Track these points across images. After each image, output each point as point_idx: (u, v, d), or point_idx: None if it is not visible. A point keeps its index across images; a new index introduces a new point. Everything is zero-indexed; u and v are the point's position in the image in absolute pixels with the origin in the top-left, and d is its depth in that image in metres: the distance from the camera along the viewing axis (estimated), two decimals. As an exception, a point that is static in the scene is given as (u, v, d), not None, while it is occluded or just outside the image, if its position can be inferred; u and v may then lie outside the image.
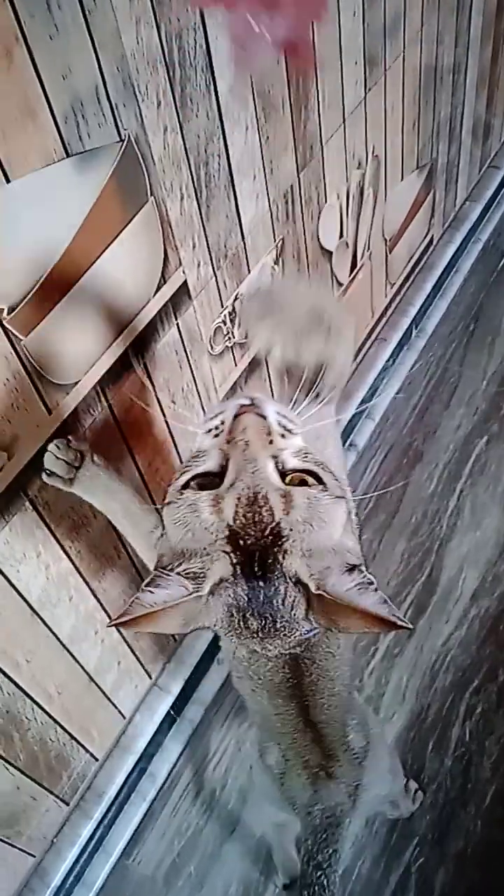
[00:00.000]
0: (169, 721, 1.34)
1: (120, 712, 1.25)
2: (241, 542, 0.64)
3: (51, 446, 0.87)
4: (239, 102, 0.97)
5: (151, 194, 0.87)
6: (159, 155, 0.86)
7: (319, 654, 0.96)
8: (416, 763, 1.63)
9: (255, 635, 0.68)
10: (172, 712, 1.35)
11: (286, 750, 1.04)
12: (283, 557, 0.64)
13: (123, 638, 1.16)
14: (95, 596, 1.05)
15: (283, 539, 0.64)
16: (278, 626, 0.67)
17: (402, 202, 1.61)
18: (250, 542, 0.64)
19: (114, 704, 1.22)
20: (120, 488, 0.91)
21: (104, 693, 1.18)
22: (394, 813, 1.49)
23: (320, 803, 1.03)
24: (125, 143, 0.81)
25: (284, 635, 0.68)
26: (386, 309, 1.73)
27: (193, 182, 0.93)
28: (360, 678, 1.75)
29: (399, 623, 0.61)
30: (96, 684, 1.15)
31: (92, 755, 1.22)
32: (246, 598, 0.64)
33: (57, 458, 0.87)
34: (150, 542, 0.94)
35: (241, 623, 0.66)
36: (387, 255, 1.61)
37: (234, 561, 0.64)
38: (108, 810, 1.27)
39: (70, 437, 0.88)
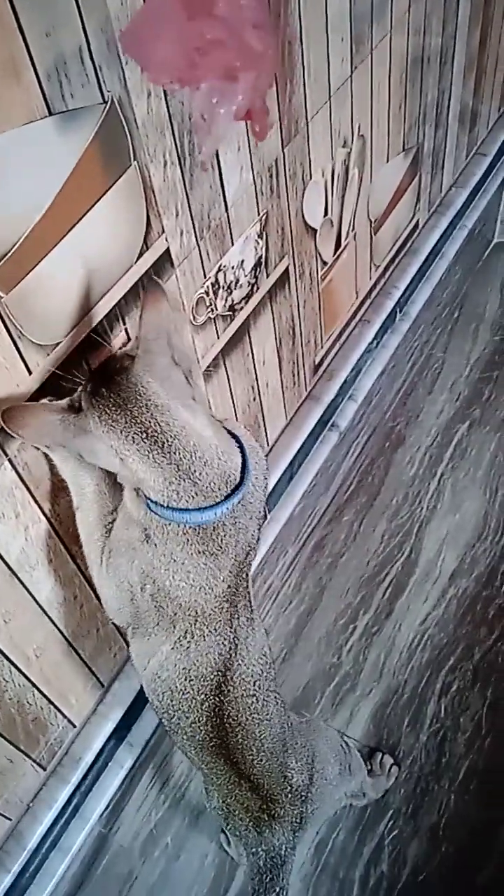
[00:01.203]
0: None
1: (99, 680, 1.26)
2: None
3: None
4: (224, 72, 0.98)
5: (135, 158, 0.88)
6: (143, 119, 0.87)
7: (247, 717, 0.99)
8: (391, 738, 1.66)
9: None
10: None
11: (225, 797, 1.06)
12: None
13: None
14: (75, 561, 1.06)
15: None
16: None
17: (388, 184, 1.62)
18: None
19: (92, 672, 1.23)
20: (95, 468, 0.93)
21: (83, 659, 1.19)
22: (361, 802, 1.51)
23: (264, 845, 1.05)
24: (108, 105, 0.81)
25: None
26: (370, 290, 1.74)
27: (177, 149, 0.94)
28: (335, 659, 1.77)
29: None
30: (75, 650, 1.16)
31: (70, 721, 1.23)
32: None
33: None
34: (102, 527, 0.94)
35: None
36: (372, 237, 1.63)
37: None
38: (86, 777, 1.28)
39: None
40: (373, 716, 1.69)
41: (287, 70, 1.10)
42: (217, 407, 1.28)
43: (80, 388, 0.82)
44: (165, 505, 0.84)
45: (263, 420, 1.48)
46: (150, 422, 0.79)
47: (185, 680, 0.96)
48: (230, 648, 0.95)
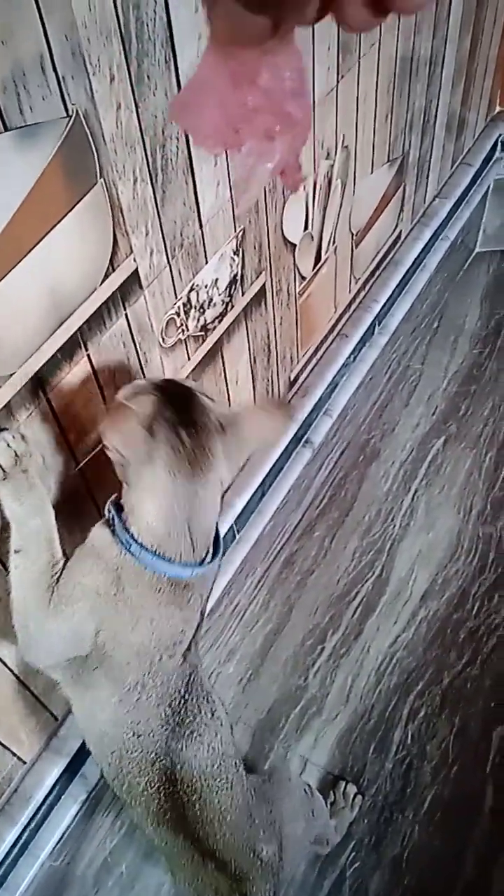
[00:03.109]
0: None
1: (52, 714, 1.20)
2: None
3: (4, 434, 0.82)
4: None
5: (101, 176, 0.81)
6: (111, 134, 0.80)
7: (203, 783, 0.92)
8: (356, 765, 1.62)
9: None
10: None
11: (191, 879, 0.98)
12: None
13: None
14: (28, 596, 1.00)
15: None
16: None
17: (372, 195, 1.56)
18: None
19: (45, 706, 1.17)
20: (49, 508, 0.86)
21: (35, 695, 1.13)
22: (324, 850, 1.46)
23: None
24: (72, 118, 0.74)
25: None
26: (349, 304, 1.69)
27: (148, 165, 0.87)
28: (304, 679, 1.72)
29: None
30: (26, 687, 1.10)
31: (19, 758, 1.17)
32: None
33: (8, 446, 0.82)
34: (49, 573, 0.87)
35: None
36: (353, 250, 1.57)
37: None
38: (36, 814, 1.22)
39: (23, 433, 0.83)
40: (338, 741, 1.65)
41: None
42: (186, 430, 1.21)
43: (155, 407, 0.81)
44: (154, 552, 0.83)
45: (235, 439, 1.42)
46: (198, 489, 0.83)
47: (134, 736, 0.90)
48: (181, 704, 0.90)
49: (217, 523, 0.90)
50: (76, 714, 0.96)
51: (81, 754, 1.27)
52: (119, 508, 0.86)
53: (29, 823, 1.21)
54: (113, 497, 0.88)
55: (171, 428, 0.80)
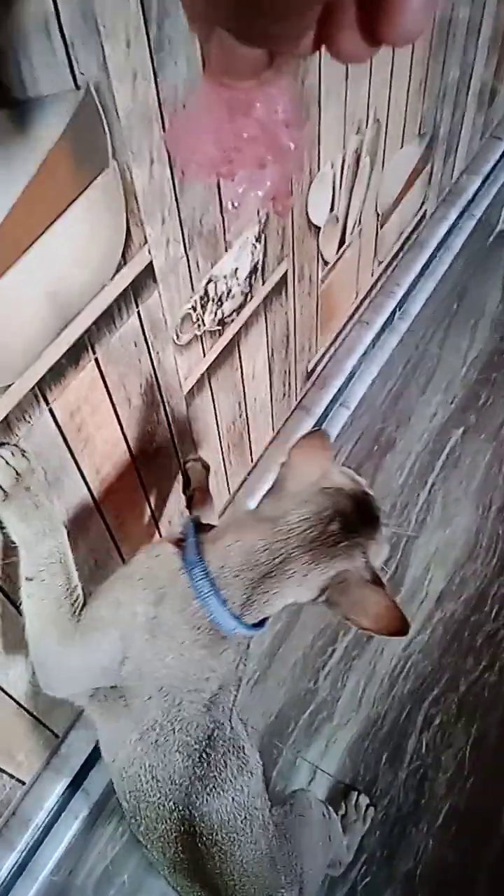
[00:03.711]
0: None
1: (52, 732, 1.12)
2: None
3: (2, 450, 0.73)
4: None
5: (114, 157, 0.71)
6: (126, 109, 0.69)
7: (224, 836, 0.84)
8: (368, 774, 1.55)
9: None
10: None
11: None
12: None
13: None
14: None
15: None
16: None
17: (399, 173, 1.45)
18: None
19: (45, 725, 1.09)
20: (61, 528, 0.77)
21: (34, 716, 1.05)
22: (337, 871, 1.40)
23: None
24: (83, 91, 0.64)
25: None
26: (371, 289, 1.58)
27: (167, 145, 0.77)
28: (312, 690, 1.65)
29: None
30: (25, 710, 1.02)
31: (18, 780, 1.10)
32: None
33: (7, 463, 0.73)
34: (69, 598, 0.78)
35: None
36: (378, 231, 1.46)
37: None
38: (35, 835, 1.15)
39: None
40: (349, 749, 1.58)
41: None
42: (198, 433, 1.12)
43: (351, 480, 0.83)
44: (213, 582, 0.75)
45: (249, 436, 1.32)
46: (297, 566, 0.76)
47: (152, 779, 0.82)
48: (202, 757, 0.82)
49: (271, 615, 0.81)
50: (102, 744, 0.88)
51: (84, 770, 1.20)
52: (198, 528, 0.80)
53: (27, 846, 1.14)
54: (192, 514, 0.84)
55: (349, 509, 0.76)
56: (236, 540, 0.77)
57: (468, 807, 1.50)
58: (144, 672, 0.78)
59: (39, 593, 0.78)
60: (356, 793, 1.51)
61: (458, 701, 1.62)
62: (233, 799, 0.84)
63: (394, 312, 1.65)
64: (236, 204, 0.54)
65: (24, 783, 1.12)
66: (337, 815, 1.47)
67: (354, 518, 0.76)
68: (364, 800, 1.50)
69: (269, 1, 0.35)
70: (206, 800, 0.82)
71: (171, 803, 0.82)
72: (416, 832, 1.49)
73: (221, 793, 0.83)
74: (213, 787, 0.82)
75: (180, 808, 0.82)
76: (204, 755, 0.81)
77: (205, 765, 0.82)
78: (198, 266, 0.92)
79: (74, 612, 0.79)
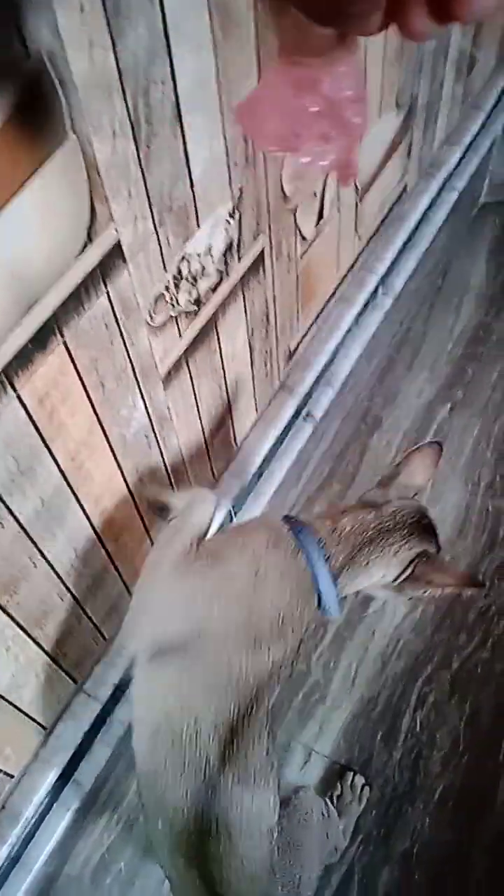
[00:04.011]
0: (96, 726, 1.20)
1: (40, 724, 1.11)
2: None
3: None
4: (191, 14, 0.77)
5: (73, 131, 0.68)
6: (83, 79, 0.66)
7: (237, 816, 0.84)
8: (363, 754, 1.55)
9: None
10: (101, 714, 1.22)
11: None
12: None
13: (43, 650, 1.01)
14: (6, 611, 0.89)
15: None
16: None
17: (377, 145, 1.42)
18: None
19: (31, 718, 1.08)
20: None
21: (19, 709, 1.03)
22: (334, 858, 1.40)
23: None
24: (32, 60, 0.61)
25: None
26: (352, 265, 1.55)
27: (129, 116, 0.74)
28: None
29: None
30: (10, 703, 1.00)
31: (5, 773, 1.08)
32: None
33: None
34: (188, 541, 0.94)
35: None
36: (357, 204, 1.43)
37: None
38: (26, 829, 1.14)
39: None
40: (344, 730, 1.58)
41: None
42: (178, 415, 1.09)
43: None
44: (322, 549, 0.89)
45: (231, 419, 1.30)
46: (381, 550, 0.92)
47: (184, 742, 0.81)
48: (235, 720, 0.81)
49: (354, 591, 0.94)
50: (135, 705, 0.90)
51: (74, 761, 1.18)
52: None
53: (19, 839, 1.13)
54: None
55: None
56: (347, 513, 0.93)
57: (463, 784, 1.50)
58: (221, 625, 0.85)
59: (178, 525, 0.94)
60: (351, 773, 1.50)
61: (451, 678, 1.61)
62: (252, 774, 0.82)
63: (377, 289, 1.62)
64: (298, 174, 0.59)
65: (12, 776, 1.10)
66: (333, 795, 1.47)
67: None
68: (359, 780, 1.49)
69: None
70: (230, 778, 0.81)
71: (196, 762, 0.80)
72: (412, 811, 1.48)
73: (243, 767, 0.81)
74: (240, 758, 0.81)
75: (203, 776, 0.80)
76: (238, 730, 0.81)
77: (236, 741, 0.81)
78: (169, 243, 0.89)
79: (195, 543, 0.93)
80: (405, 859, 1.44)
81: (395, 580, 0.93)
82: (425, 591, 0.94)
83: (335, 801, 1.44)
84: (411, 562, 0.92)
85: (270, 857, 0.88)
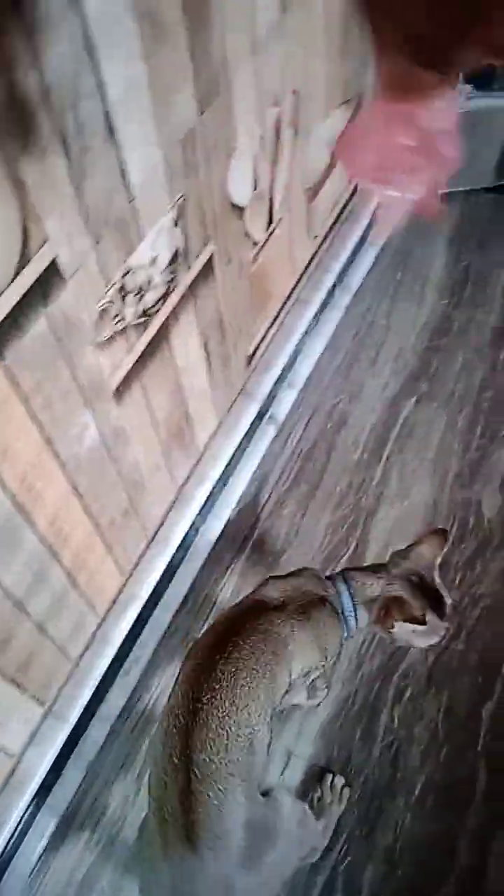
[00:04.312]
0: (67, 748, 1.19)
1: (5, 752, 1.09)
2: None
3: None
4: (116, 25, 0.75)
5: (-3, 151, 0.66)
6: (6, 98, 0.64)
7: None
8: (342, 754, 1.54)
9: None
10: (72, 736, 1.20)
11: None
12: None
13: (9, 678, 0.99)
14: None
15: None
16: None
17: (325, 143, 1.40)
18: None
19: (-2, 745, 1.06)
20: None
21: (-15, 737, 1.02)
22: (313, 858, 1.41)
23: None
24: None
25: None
26: (307, 266, 1.54)
27: (61, 130, 0.72)
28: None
29: None
30: (-26, 732, 0.98)
31: (-25, 803, 1.07)
32: None
33: None
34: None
35: None
36: (308, 205, 1.42)
37: None
38: (1, 855, 1.13)
39: None
40: (322, 730, 1.57)
41: (201, 17, 0.87)
42: (132, 429, 1.08)
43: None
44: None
45: (191, 428, 1.28)
46: None
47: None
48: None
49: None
50: None
51: (46, 786, 1.17)
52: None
53: (-8, 867, 1.11)
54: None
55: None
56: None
57: (444, 776, 1.50)
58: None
59: None
60: (331, 775, 1.50)
61: (427, 672, 1.61)
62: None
63: (334, 287, 1.61)
64: (385, 206, 0.56)
65: (-18, 806, 1.08)
66: (313, 798, 1.46)
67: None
68: (339, 781, 1.49)
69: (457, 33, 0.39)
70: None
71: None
72: (394, 807, 1.48)
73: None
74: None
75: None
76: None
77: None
78: (110, 258, 0.88)
79: None
80: (389, 856, 1.44)
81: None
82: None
83: (315, 802, 1.44)
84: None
85: (245, 819, 0.99)
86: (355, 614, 1.20)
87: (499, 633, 1.63)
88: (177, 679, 1.09)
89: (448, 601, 1.20)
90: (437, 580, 1.20)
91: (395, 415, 1.97)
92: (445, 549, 1.23)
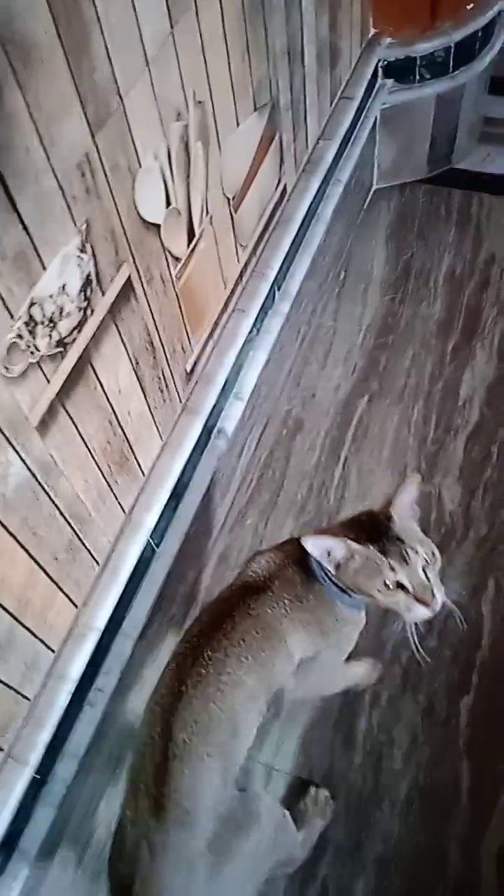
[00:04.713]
0: (33, 790, 1.16)
1: (-32, 803, 1.06)
2: None
3: None
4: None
5: None
6: None
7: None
8: (323, 765, 1.53)
9: None
10: (38, 776, 1.17)
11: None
12: None
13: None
14: None
15: None
16: None
17: (243, 152, 1.39)
18: None
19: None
20: None
21: None
22: (290, 869, 1.39)
23: None
24: None
25: None
26: (241, 276, 1.53)
27: None
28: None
29: None
30: None
31: None
32: None
33: None
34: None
35: None
36: (232, 216, 1.40)
37: None
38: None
39: None
40: (302, 742, 1.55)
41: (78, 40, 0.85)
42: (64, 462, 1.05)
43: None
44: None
45: (132, 452, 1.26)
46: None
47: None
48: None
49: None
50: None
51: (15, 831, 1.14)
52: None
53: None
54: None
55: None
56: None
57: (428, 778, 1.48)
58: None
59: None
60: (314, 788, 1.48)
61: (402, 672, 1.60)
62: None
63: (271, 294, 1.60)
64: None
65: None
66: (296, 811, 1.43)
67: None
68: (323, 793, 1.47)
69: None
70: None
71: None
72: (380, 814, 1.46)
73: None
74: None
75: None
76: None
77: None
78: (11, 292, 0.85)
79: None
80: (380, 865, 1.42)
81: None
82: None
83: (298, 816, 1.41)
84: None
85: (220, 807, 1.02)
86: (325, 573, 1.09)
87: (470, 626, 1.62)
88: (167, 664, 1.10)
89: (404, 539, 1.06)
90: (397, 520, 1.08)
91: (349, 415, 1.96)
92: (411, 488, 1.13)
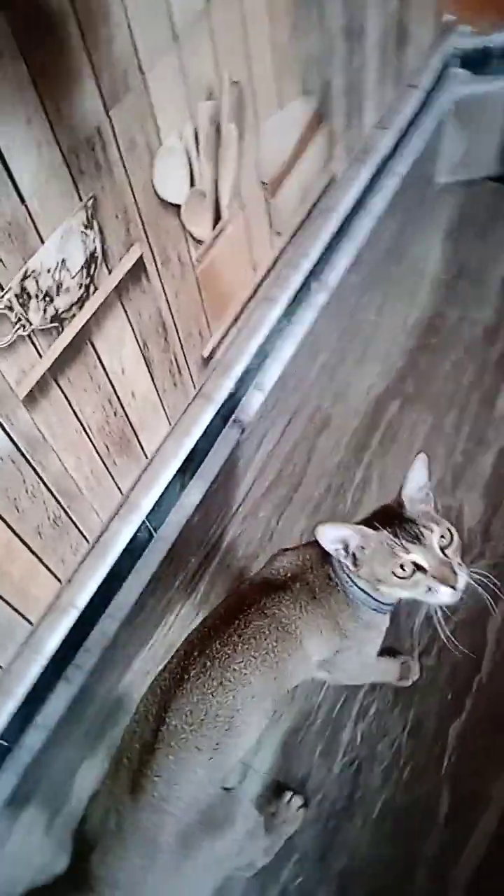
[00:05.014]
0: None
1: None
2: None
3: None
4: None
5: None
6: None
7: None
8: (301, 770, 1.50)
9: None
10: (4, 742, 1.18)
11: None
12: None
13: None
14: None
15: None
16: None
17: (284, 136, 1.34)
18: None
19: None
20: None
21: None
22: (250, 873, 1.37)
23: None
24: None
25: None
26: (274, 264, 1.48)
27: None
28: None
29: None
30: None
31: None
32: None
33: None
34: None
35: None
36: (267, 201, 1.36)
37: None
38: None
39: None
40: (282, 745, 1.52)
41: (94, 9, 0.82)
42: (55, 437, 1.04)
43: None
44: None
45: (135, 433, 1.24)
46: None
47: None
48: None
49: None
50: None
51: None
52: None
53: None
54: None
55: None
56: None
57: (404, 798, 1.44)
58: None
59: None
60: (290, 794, 1.45)
61: (394, 688, 1.55)
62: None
63: (306, 284, 1.55)
64: None
65: None
66: (267, 813, 1.42)
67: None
68: (297, 801, 1.44)
69: None
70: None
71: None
72: (351, 827, 1.43)
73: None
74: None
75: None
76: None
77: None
78: (3, 264, 0.84)
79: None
80: (343, 878, 1.39)
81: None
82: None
83: (267, 819, 1.39)
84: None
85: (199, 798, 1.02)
86: (347, 574, 1.05)
87: (474, 648, 1.56)
88: (178, 648, 1.09)
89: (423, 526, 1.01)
90: (407, 503, 1.04)
91: (379, 417, 1.90)
92: (419, 468, 1.08)
